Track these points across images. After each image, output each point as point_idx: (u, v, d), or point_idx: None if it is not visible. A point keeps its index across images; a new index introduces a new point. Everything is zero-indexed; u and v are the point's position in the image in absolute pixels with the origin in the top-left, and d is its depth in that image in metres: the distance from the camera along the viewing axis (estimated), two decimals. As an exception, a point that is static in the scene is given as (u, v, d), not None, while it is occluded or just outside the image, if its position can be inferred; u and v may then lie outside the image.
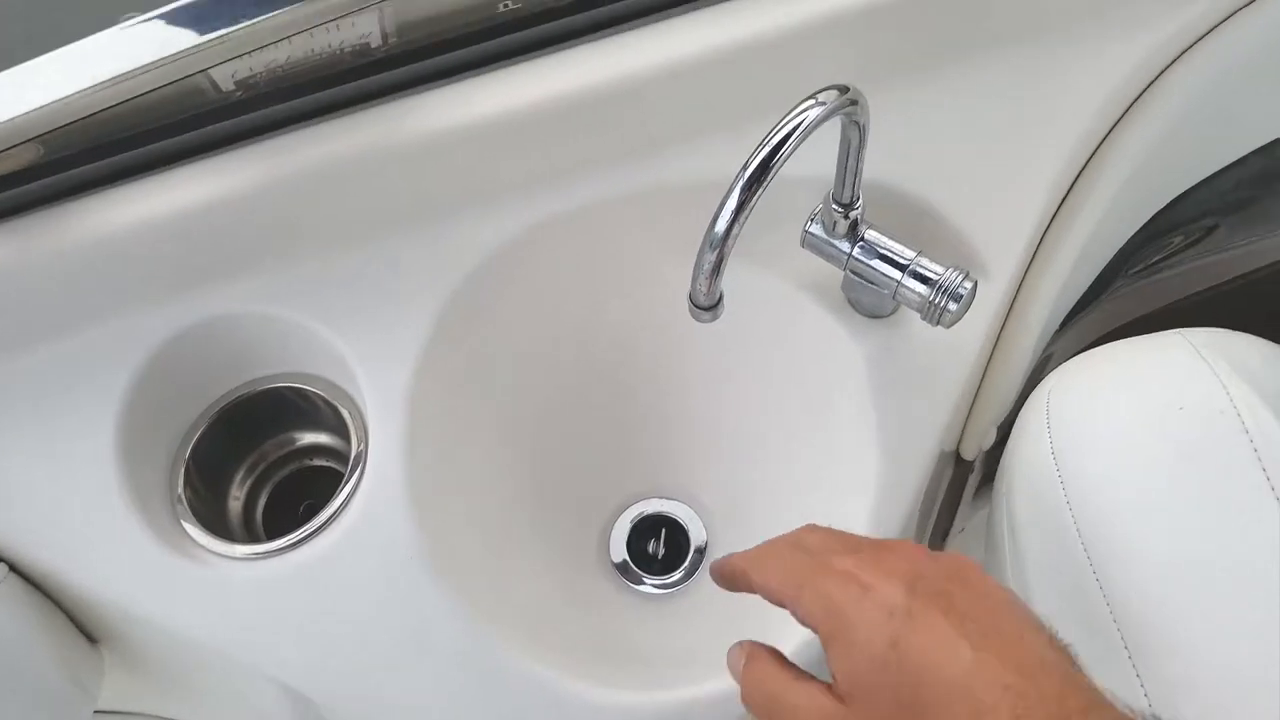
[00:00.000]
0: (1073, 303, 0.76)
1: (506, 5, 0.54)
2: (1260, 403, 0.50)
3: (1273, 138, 0.76)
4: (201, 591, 0.52)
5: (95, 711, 0.70)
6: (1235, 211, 0.85)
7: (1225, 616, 0.44)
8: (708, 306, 0.48)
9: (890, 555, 0.35)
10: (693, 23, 0.57)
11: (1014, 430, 0.55)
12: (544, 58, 0.55)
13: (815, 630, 0.35)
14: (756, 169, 0.45)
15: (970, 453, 0.68)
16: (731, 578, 0.41)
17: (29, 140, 0.45)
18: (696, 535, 0.67)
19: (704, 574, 0.65)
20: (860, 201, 0.55)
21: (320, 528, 0.53)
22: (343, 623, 0.52)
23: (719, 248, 0.46)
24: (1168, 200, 0.77)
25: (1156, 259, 0.86)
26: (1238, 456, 0.47)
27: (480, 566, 0.57)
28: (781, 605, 0.37)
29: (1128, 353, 0.53)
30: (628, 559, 0.66)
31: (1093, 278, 0.76)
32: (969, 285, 0.54)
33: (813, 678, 0.36)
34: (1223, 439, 0.48)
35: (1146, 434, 0.50)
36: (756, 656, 0.38)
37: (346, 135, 0.54)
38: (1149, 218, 0.78)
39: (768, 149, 0.45)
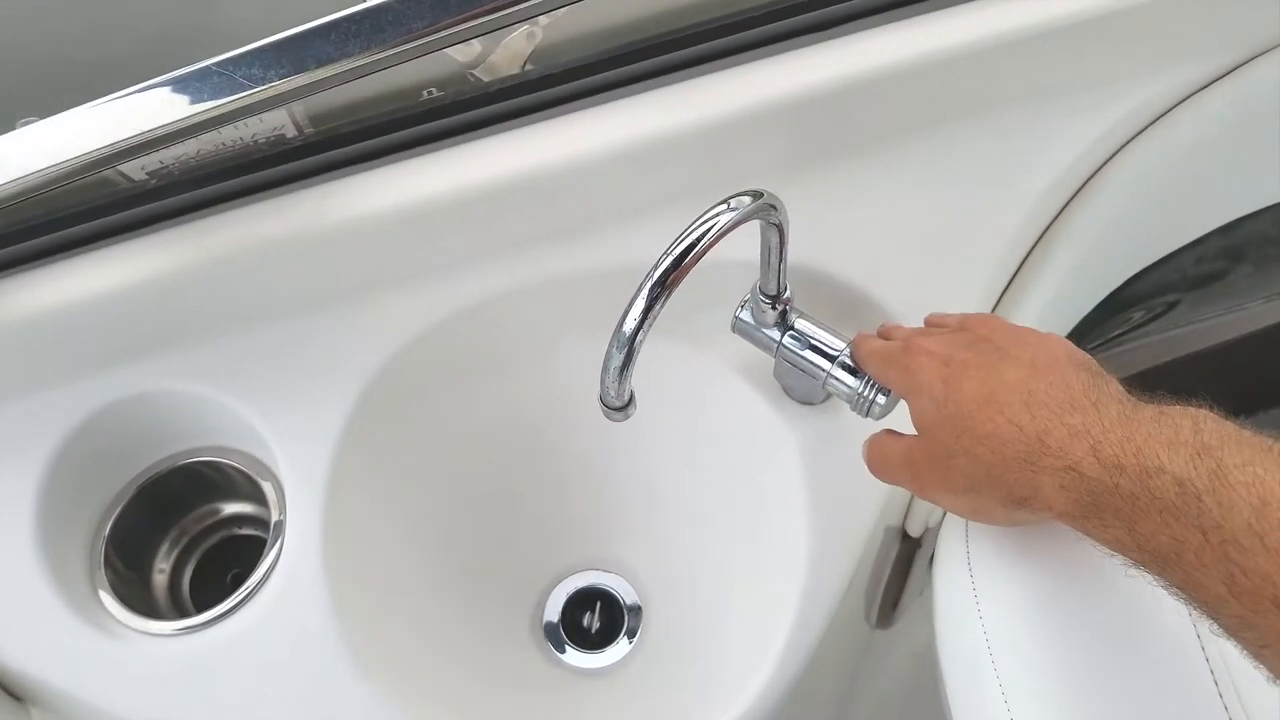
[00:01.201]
0: None
1: (430, 93, 0.52)
2: None
3: (1230, 219, 0.74)
4: (122, 669, 0.50)
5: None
6: (1196, 287, 0.83)
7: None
8: (618, 407, 0.47)
9: (960, 332, 0.44)
10: (624, 107, 0.56)
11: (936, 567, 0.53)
12: (466, 144, 0.54)
13: (899, 392, 0.46)
14: (664, 271, 0.43)
15: (916, 530, 0.66)
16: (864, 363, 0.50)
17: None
18: (631, 609, 0.65)
19: (639, 648, 0.63)
20: (788, 293, 0.53)
21: (242, 601, 0.52)
22: (261, 704, 0.50)
23: (627, 347, 0.44)
24: (1125, 278, 0.74)
25: (1116, 333, 0.83)
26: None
27: (402, 648, 0.55)
28: (884, 383, 0.49)
29: None
30: (561, 633, 0.64)
31: None
32: (897, 379, 0.52)
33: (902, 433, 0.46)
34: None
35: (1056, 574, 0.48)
36: (875, 435, 0.47)
37: (266, 219, 0.52)
38: (1106, 295, 0.75)
39: (676, 253, 0.43)
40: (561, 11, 0.56)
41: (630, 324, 0.44)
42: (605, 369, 0.45)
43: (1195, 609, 0.32)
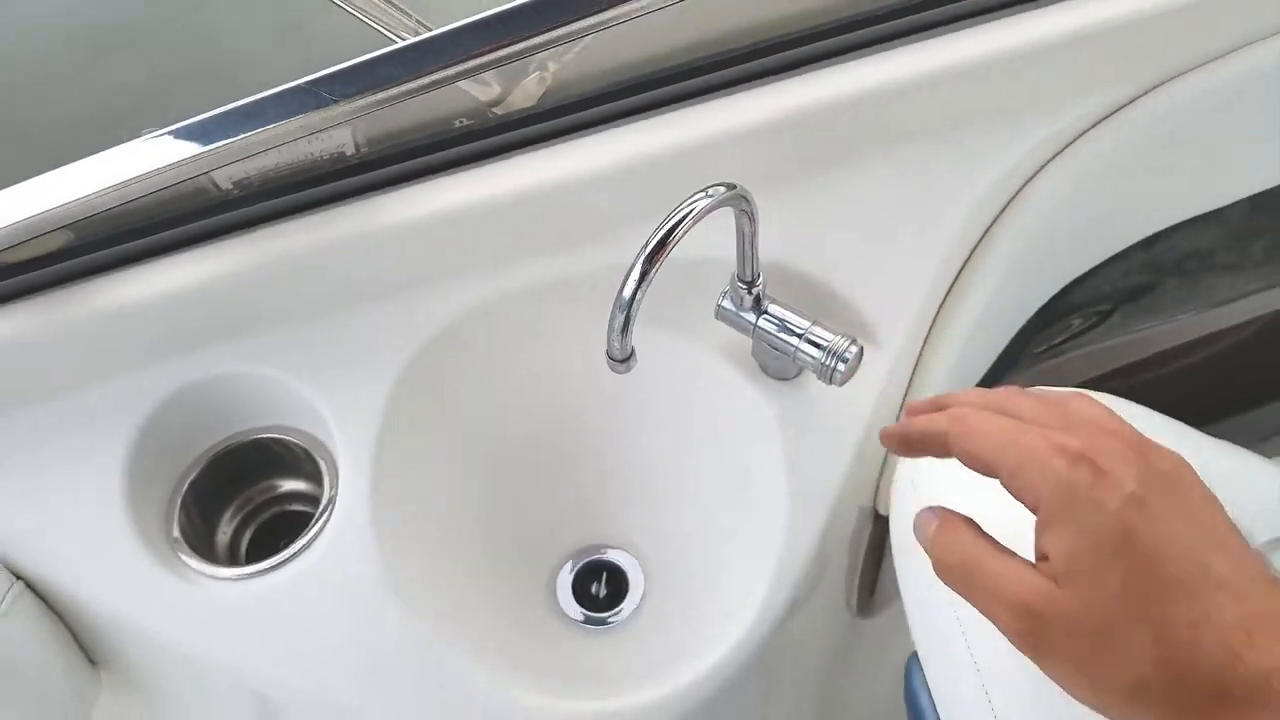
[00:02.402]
0: (979, 377, 0.82)
1: (461, 123, 0.62)
2: None
3: (1150, 232, 0.83)
4: (190, 607, 0.58)
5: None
6: (1128, 300, 0.92)
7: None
8: (621, 359, 0.55)
9: (1112, 440, 0.33)
10: (618, 135, 0.66)
11: (893, 494, 0.61)
12: (492, 164, 0.63)
13: (1032, 506, 0.33)
14: (654, 246, 0.52)
15: (885, 508, 0.73)
16: (922, 440, 0.38)
17: (60, 228, 0.53)
18: (635, 578, 0.72)
19: (638, 613, 0.70)
20: (761, 279, 0.62)
21: (294, 555, 0.59)
22: (311, 639, 0.58)
23: (626, 309, 0.52)
24: (1060, 286, 0.83)
25: (1059, 340, 0.92)
26: None
27: (436, 594, 0.62)
28: (990, 474, 0.35)
29: None
30: (572, 598, 0.71)
31: (995, 355, 0.82)
32: (855, 350, 0.60)
33: (1013, 551, 0.34)
34: None
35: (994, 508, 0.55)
36: (951, 522, 0.36)
37: (326, 227, 0.62)
38: (1046, 301, 0.84)
39: (664, 231, 0.52)
40: (568, 57, 0.67)
41: (628, 290, 0.52)
42: (610, 329, 0.53)
43: None
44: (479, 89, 0.67)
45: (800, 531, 0.63)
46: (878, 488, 0.72)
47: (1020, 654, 0.35)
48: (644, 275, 0.52)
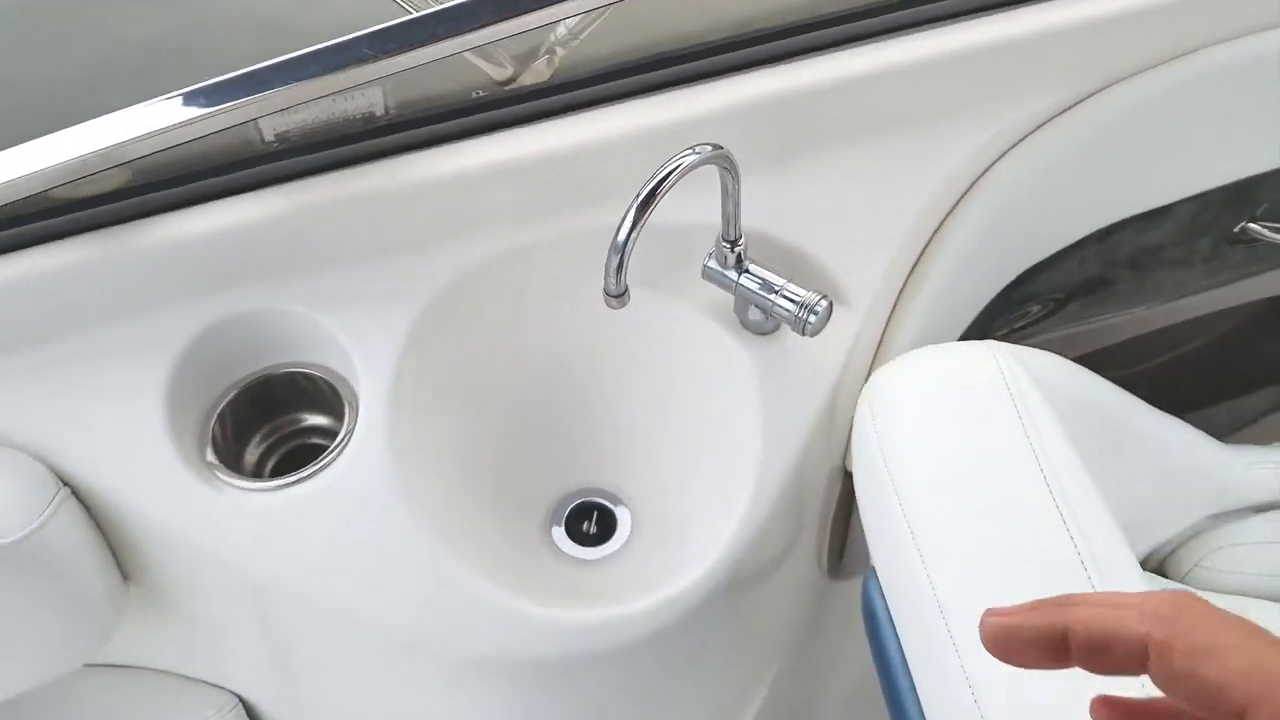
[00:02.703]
0: None
1: (478, 94, 0.70)
2: (1035, 393, 0.62)
3: (1101, 225, 0.91)
4: (219, 513, 0.64)
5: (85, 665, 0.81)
6: (1085, 291, 0.99)
7: (993, 563, 0.55)
8: (616, 295, 0.61)
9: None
10: (616, 112, 0.73)
11: (854, 418, 0.68)
12: (504, 133, 0.71)
13: None
14: (645, 196, 0.59)
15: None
16: (1106, 649, 0.27)
17: (120, 165, 0.60)
18: (622, 517, 0.78)
19: (625, 548, 0.76)
20: (743, 240, 0.69)
21: (316, 471, 0.66)
22: (330, 546, 0.64)
23: (620, 251, 0.59)
24: (1018, 271, 0.90)
25: (1020, 325, 0.99)
26: (1018, 453, 0.59)
27: (445, 517, 0.68)
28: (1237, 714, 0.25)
29: (938, 357, 0.66)
30: (565, 534, 0.78)
31: (959, 332, 0.89)
32: (825, 304, 0.67)
33: None
34: (1006, 437, 0.60)
35: (945, 421, 0.62)
36: None
37: (356, 181, 0.69)
38: (1007, 285, 0.91)
39: (654, 182, 0.59)
40: (574, 43, 0.75)
41: (622, 234, 0.59)
42: (606, 269, 0.60)
43: None
44: (494, 69, 0.75)
45: (772, 470, 0.69)
46: (847, 447, 0.78)
47: (968, 565, 0.43)
48: (636, 221, 0.59)
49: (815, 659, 0.98)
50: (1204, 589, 0.93)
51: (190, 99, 0.58)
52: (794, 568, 0.82)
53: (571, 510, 0.79)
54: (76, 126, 0.58)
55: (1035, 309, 0.97)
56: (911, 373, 0.65)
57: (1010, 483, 0.58)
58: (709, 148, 0.60)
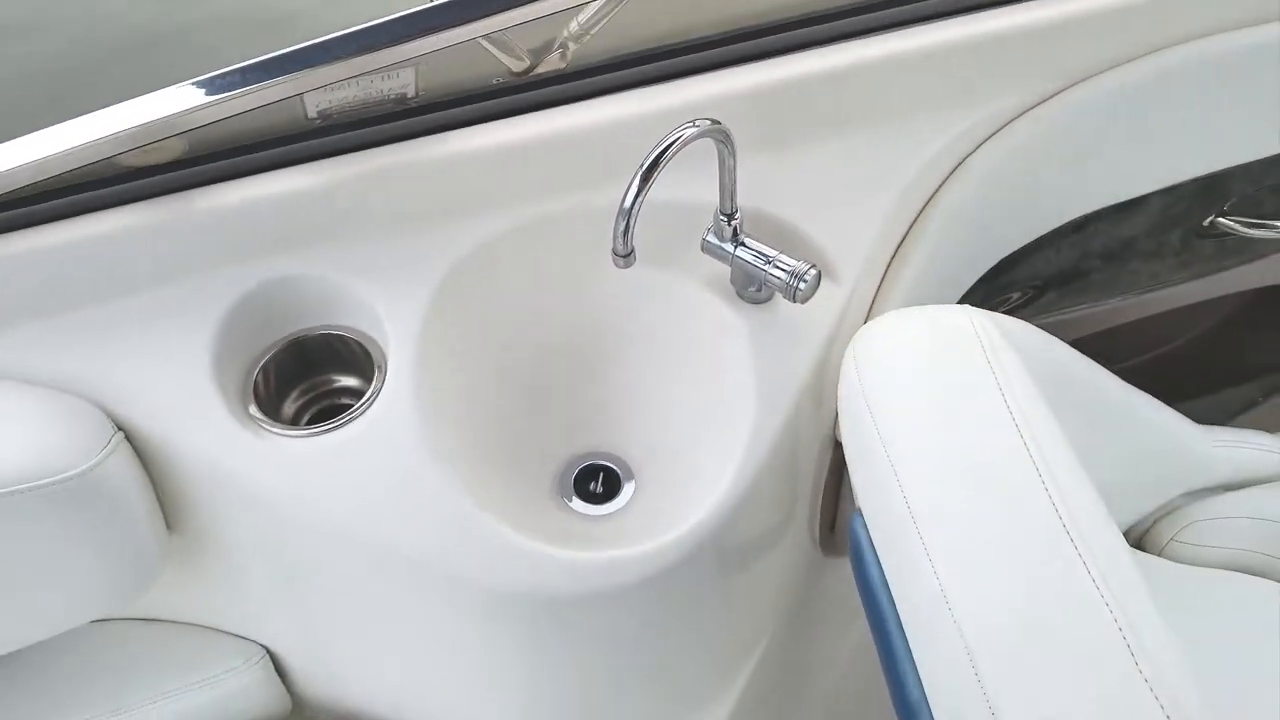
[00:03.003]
0: None
1: (498, 81, 0.77)
2: (1008, 349, 0.68)
3: (1076, 215, 0.97)
4: (260, 456, 0.70)
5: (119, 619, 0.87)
6: (1061, 283, 1.05)
7: (968, 495, 0.61)
8: (623, 255, 0.68)
9: None
10: (623, 99, 0.80)
11: (841, 369, 0.73)
12: (520, 118, 0.78)
13: None
14: (649, 164, 0.65)
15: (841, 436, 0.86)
16: None
17: (179, 134, 0.67)
18: (626, 477, 0.84)
19: (630, 505, 0.82)
20: (739, 214, 0.75)
21: (349, 420, 0.72)
22: (361, 486, 0.69)
23: (627, 216, 0.66)
24: (998, 258, 0.97)
25: (1001, 311, 1.05)
26: (989, 400, 0.64)
27: (465, 467, 0.74)
28: None
29: (919, 317, 0.72)
30: (573, 491, 0.83)
31: None
32: (814, 272, 0.73)
33: None
34: (979, 385, 0.65)
35: (922, 367, 0.68)
36: None
37: (388, 158, 0.76)
38: (988, 271, 0.97)
39: (657, 152, 0.65)
40: (585, 38, 0.82)
41: (628, 199, 0.65)
42: (614, 232, 0.66)
43: None
44: (512, 61, 0.82)
45: (765, 426, 0.75)
46: (836, 417, 0.84)
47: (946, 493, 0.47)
48: (640, 188, 0.65)
49: (809, 631, 1.03)
50: (1180, 562, 0.98)
51: (243, 74, 0.65)
52: (787, 531, 0.88)
53: (580, 472, 0.85)
54: (139, 99, 0.65)
55: (1015, 296, 1.03)
56: (893, 327, 0.71)
57: (982, 424, 0.63)
58: (707, 122, 0.66)
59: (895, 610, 0.62)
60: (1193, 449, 0.97)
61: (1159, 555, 1.00)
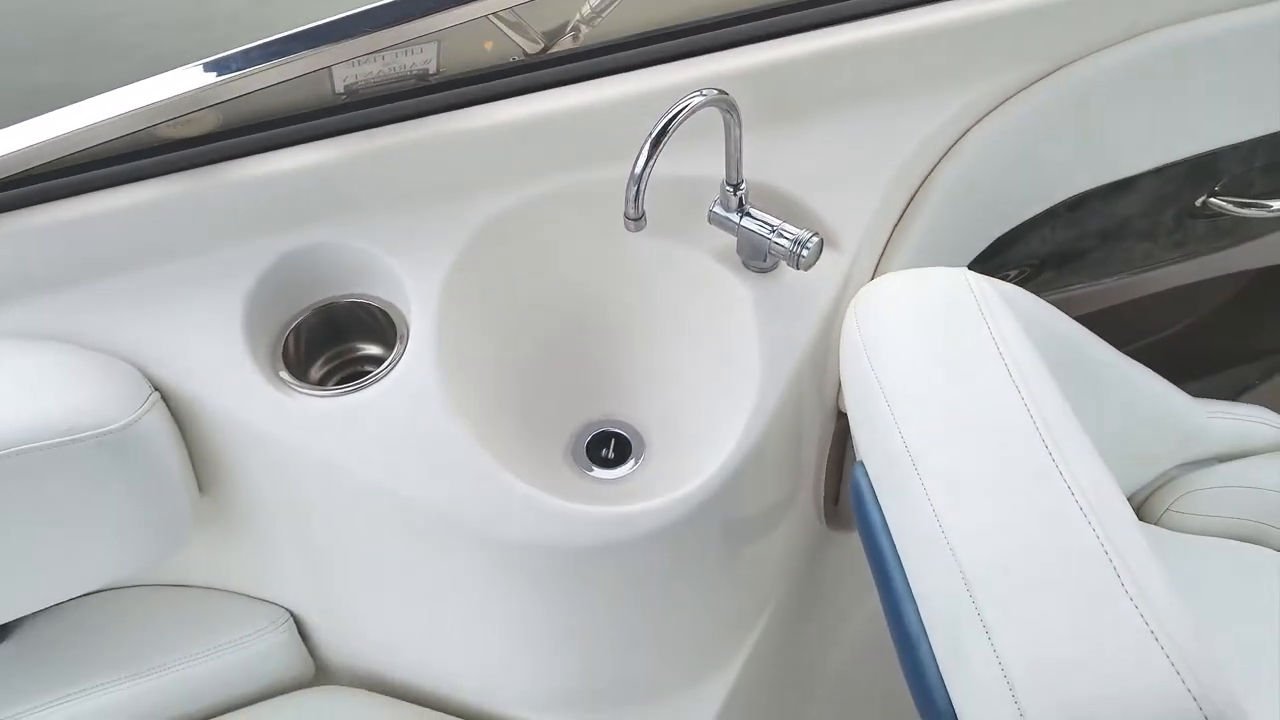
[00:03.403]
0: None
1: (515, 59, 0.81)
2: (1003, 307, 0.71)
3: (1070, 194, 1.00)
4: (288, 414, 0.73)
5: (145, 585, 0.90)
6: (1059, 262, 1.08)
7: (962, 435, 0.64)
8: (634, 218, 0.71)
9: None
10: (633, 78, 0.84)
11: (843, 327, 0.77)
12: (534, 95, 0.81)
13: None
14: (658, 132, 0.68)
15: (844, 405, 0.89)
16: None
17: (213, 106, 0.71)
18: (636, 444, 0.87)
19: (637, 470, 0.85)
20: (744, 185, 0.78)
21: (380, 376, 0.75)
22: (384, 442, 0.73)
23: (637, 182, 0.69)
24: (997, 234, 1.00)
25: (1000, 289, 1.08)
26: (983, 348, 0.68)
27: (480, 421, 0.77)
28: None
29: (916, 277, 0.75)
30: (586, 456, 0.86)
31: None
32: (816, 240, 0.77)
33: None
34: (973, 335, 0.68)
35: (921, 323, 0.71)
36: None
37: (410, 133, 0.79)
38: (987, 248, 1.01)
39: (665, 120, 0.69)
40: (596, 21, 0.85)
41: (638, 166, 0.69)
42: (626, 197, 0.70)
43: None
44: (527, 44, 0.85)
45: (770, 389, 0.78)
46: (839, 388, 0.87)
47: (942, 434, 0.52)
48: (650, 155, 0.68)
49: (813, 604, 1.05)
50: (1177, 530, 1.00)
51: (273, 46, 0.68)
52: (793, 502, 0.91)
53: (592, 438, 0.88)
54: (173, 71, 0.69)
55: (1012, 273, 1.06)
56: (893, 284, 0.74)
57: (977, 369, 0.66)
58: (714, 91, 0.70)
59: (895, 550, 0.65)
60: (1188, 420, 1.00)
61: (1156, 524, 1.03)
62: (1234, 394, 1.35)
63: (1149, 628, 0.52)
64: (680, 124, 0.69)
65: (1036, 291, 1.10)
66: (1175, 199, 1.06)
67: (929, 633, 0.60)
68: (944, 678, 0.58)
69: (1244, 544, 0.97)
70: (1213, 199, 1.07)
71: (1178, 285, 1.19)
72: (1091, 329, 0.88)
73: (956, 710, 0.57)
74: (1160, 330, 1.32)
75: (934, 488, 0.62)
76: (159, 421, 0.74)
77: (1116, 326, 1.23)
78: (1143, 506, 1.05)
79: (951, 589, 0.58)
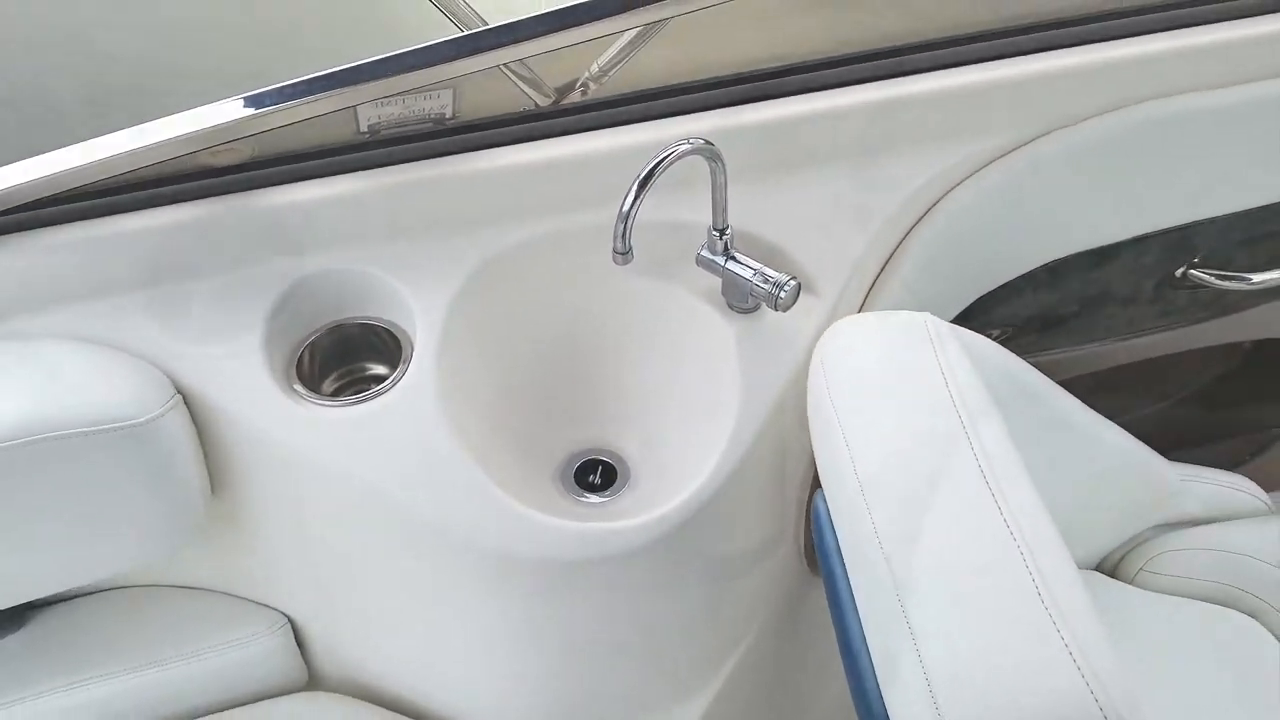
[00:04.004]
0: None
1: (525, 109, 0.89)
2: (955, 346, 0.76)
3: (1049, 259, 1.05)
4: (297, 419, 0.80)
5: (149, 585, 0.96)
6: (1041, 326, 1.13)
7: (906, 460, 0.68)
8: (622, 252, 0.77)
9: None
10: (632, 130, 0.91)
11: (810, 365, 0.82)
12: (542, 142, 0.89)
13: None
14: (645, 174, 0.74)
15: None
16: None
17: (247, 137, 0.79)
18: (622, 471, 0.92)
19: (624, 491, 0.90)
20: (730, 230, 0.85)
21: (385, 389, 0.81)
22: (387, 452, 0.79)
23: (625, 220, 0.75)
24: (977, 294, 1.05)
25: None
26: (931, 380, 0.72)
27: (475, 439, 0.83)
28: None
29: (879, 318, 0.80)
30: (575, 482, 0.92)
31: None
32: (793, 283, 0.82)
33: None
34: (925, 369, 0.73)
35: (877, 358, 0.76)
36: None
37: (426, 170, 0.87)
38: (967, 308, 1.06)
39: (653, 164, 0.75)
40: (604, 79, 0.93)
41: (625, 205, 0.75)
42: (615, 233, 0.76)
43: None
44: (540, 97, 0.93)
45: (748, 419, 0.83)
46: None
47: (889, 460, 0.59)
48: (637, 194, 0.74)
49: (792, 643, 1.08)
50: (1150, 589, 1.03)
51: (304, 85, 0.76)
52: (776, 543, 0.95)
53: (580, 465, 0.94)
54: (213, 104, 0.77)
55: (995, 334, 1.11)
56: (856, 324, 0.80)
57: (922, 400, 0.71)
58: (701, 140, 0.76)
59: (846, 572, 0.70)
60: (1162, 480, 1.03)
61: (1131, 583, 1.05)
62: (1225, 467, 1.37)
63: (1065, 644, 0.55)
64: (667, 168, 0.75)
65: (1019, 352, 1.15)
66: (1155, 269, 1.10)
67: (869, 643, 0.64)
68: (880, 686, 0.62)
69: (1213, 606, 1.00)
70: (1192, 270, 1.11)
71: (1164, 355, 1.23)
72: (1077, 396, 0.93)
73: (890, 717, 0.60)
74: (1150, 402, 1.35)
75: (877, 510, 0.67)
76: (179, 421, 0.80)
77: (1103, 395, 1.26)
78: (1118, 566, 1.07)
79: (889, 606, 0.62)
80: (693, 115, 0.92)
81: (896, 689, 0.60)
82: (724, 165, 0.79)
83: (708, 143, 0.76)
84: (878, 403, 0.72)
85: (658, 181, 0.74)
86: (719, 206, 0.82)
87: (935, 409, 0.70)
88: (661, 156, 0.75)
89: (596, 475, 0.93)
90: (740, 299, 0.88)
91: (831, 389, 0.75)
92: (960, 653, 0.57)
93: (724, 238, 0.85)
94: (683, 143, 0.75)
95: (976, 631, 0.57)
